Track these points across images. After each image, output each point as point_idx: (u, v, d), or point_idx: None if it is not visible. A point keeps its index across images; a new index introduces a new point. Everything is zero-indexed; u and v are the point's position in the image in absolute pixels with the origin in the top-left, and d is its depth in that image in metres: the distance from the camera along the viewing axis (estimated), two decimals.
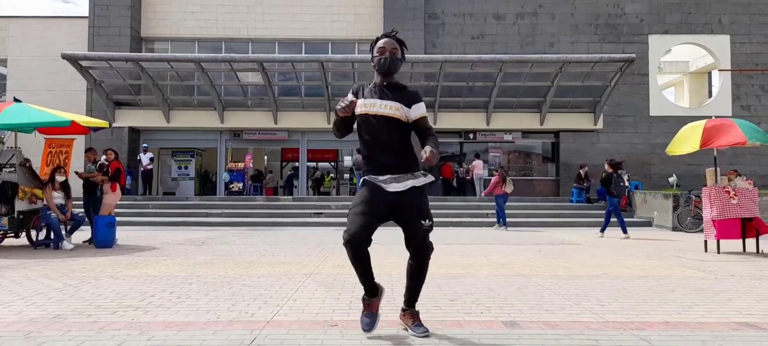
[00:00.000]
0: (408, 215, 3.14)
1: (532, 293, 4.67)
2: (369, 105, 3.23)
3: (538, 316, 3.79)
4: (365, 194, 3.17)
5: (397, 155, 3.22)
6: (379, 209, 3.12)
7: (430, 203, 3.34)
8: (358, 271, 3.18)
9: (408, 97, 3.25)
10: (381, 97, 3.24)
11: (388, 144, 3.21)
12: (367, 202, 3.12)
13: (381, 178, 3.18)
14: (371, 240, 3.10)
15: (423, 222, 3.13)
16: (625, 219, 15.35)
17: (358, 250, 3.07)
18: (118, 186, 9.30)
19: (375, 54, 3.30)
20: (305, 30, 20.93)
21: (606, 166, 11.72)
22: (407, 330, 3.27)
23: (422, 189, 3.24)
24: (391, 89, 3.28)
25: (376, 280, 3.28)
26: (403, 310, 3.35)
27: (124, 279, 5.33)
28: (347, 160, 21.79)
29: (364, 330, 3.21)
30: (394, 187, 3.15)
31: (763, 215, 8.53)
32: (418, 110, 3.23)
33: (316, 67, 18.03)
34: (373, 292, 3.27)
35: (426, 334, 3.18)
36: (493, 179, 13.73)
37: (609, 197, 11.40)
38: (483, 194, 15.11)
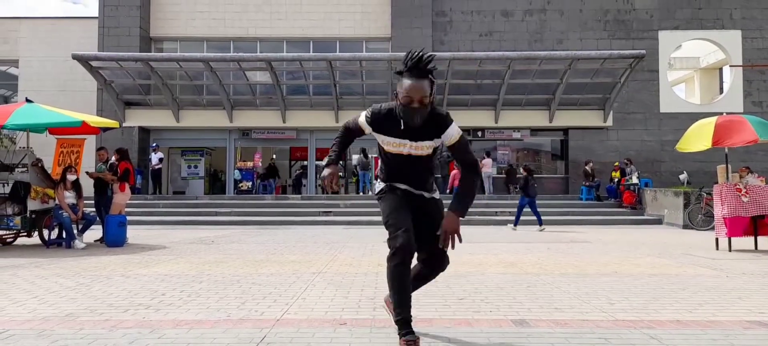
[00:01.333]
0: (429, 225, 2.98)
1: (542, 291, 4.65)
2: (398, 145, 2.93)
3: (547, 315, 3.78)
4: (394, 197, 2.99)
5: (423, 181, 3.07)
6: (409, 209, 2.97)
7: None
8: (401, 288, 2.81)
9: (436, 128, 2.86)
10: (410, 138, 2.89)
11: (416, 174, 3.04)
12: (400, 204, 2.95)
13: (404, 187, 3.06)
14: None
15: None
16: (636, 217, 15.40)
17: (407, 257, 2.79)
18: (127, 186, 9.35)
19: (401, 93, 2.77)
20: (313, 29, 20.97)
21: (522, 170, 13.47)
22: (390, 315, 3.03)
23: (440, 201, 3.14)
24: (418, 127, 2.87)
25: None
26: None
27: (136, 278, 5.37)
28: (355, 159, 21.81)
29: None
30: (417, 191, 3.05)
31: None
32: (450, 135, 2.87)
33: (324, 66, 18.05)
34: (410, 318, 2.83)
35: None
36: (453, 174, 15.75)
37: (522, 196, 12.93)
38: (448, 190, 16.65)
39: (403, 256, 2.77)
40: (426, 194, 3.08)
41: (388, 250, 2.83)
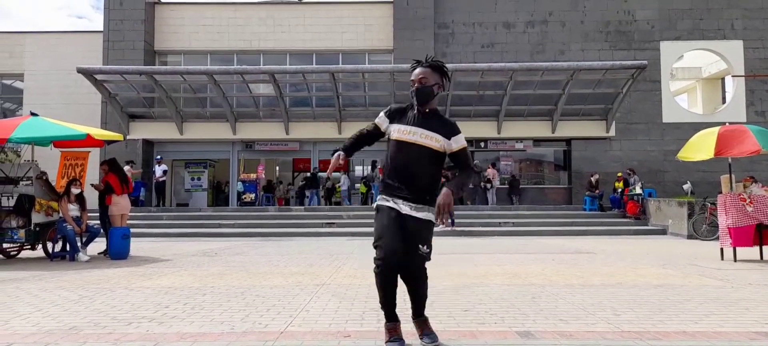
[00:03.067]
0: (409, 239, 3.13)
1: (546, 302, 4.63)
2: (408, 132, 3.18)
3: (552, 326, 3.76)
4: (385, 220, 3.16)
5: (423, 188, 3.17)
6: (399, 228, 3.12)
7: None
8: (385, 296, 3.19)
9: (448, 129, 3.22)
10: (421, 126, 3.19)
11: (418, 174, 3.16)
12: (389, 224, 3.12)
13: (398, 201, 3.17)
14: (402, 264, 3.13)
15: (421, 246, 3.11)
16: (640, 227, 15.34)
17: (389, 272, 3.10)
18: (114, 197, 9.15)
19: (411, 81, 3.27)
20: (316, 41, 21.10)
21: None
22: (421, 339, 3.24)
23: (431, 223, 3.21)
24: (430, 118, 3.23)
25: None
26: (413, 318, 3.32)
27: (139, 291, 5.37)
28: (358, 170, 21.85)
29: None
30: (407, 210, 3.14)
31: None
32: (459, 142, 3.23)
33: (327, 78, 18.14)
34: (394, 317, 3.25)
35: (434, 342, 3.18)
36: None
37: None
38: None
39: (383, 269, 3.09)
40: (417, 213, 3.13)
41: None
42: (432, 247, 3.21)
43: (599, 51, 20.19)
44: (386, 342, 3.17)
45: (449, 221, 3.25)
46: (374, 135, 3.38)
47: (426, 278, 3.23)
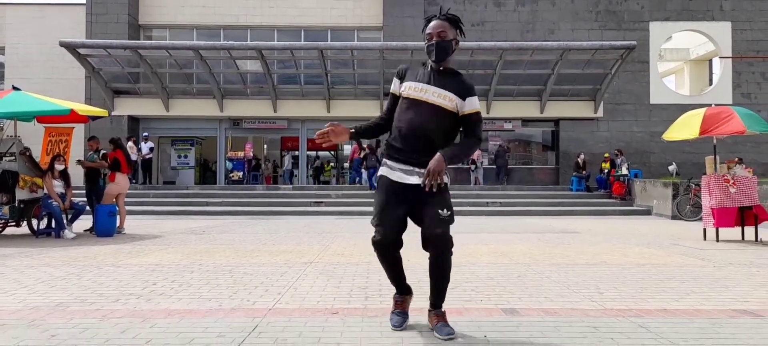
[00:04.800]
0: (426, 205, 2.86)
1: (532, 281, 4.70)
2: (420, 89, 2.93)
3: (537, 303, 3.82)
4: (383, 193, 2.96)
5: (434, 152, 2.84)
6: (400, 205, 2.91)
7: None
8: (389, 272, 3.09)
9: (462, 88, 2.94)
10: (435, 83, 2.94)
11: (428, 135, 2.89)
12: (388, 201, 2.92)
13: (402, 167, 2.92)
14: (402, 241, 2.96)
15: (441, 211, 2.83)
16: (625, 208, 15.55)
17: (387, 252, 2.97)
18: (117, 175, 9.21)
19: (425, 40, 2.99)
20: (304, 17, 20.83)
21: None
22: (432, 331, 3.00)
23: (445, 185, 2.93)
24: (445, 75, 2.97)
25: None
26: (429, 310, 3.09)
27: (126, 267, 5.35)
28: (347, 149, 21.79)
29: (394, 327, 3.08)
30: (412, 180, 2.89)
31: (763, 203, 8.55)
32: (472, 104, 2.94)
33: (316, 55, 17.97)
34: (404, 290, 3.17)
35: (451, 336, 2.90)
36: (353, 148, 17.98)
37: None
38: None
39: (380, 250, 2.97)
40: (419, 180, 2.87)
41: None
42: (452, 209, 2.92)
43: (589, 31, 20.19)
44: (391, 313, 3.17)
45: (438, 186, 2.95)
46: (391, 104, 3.09)
47: (451, 249, 2.93)
